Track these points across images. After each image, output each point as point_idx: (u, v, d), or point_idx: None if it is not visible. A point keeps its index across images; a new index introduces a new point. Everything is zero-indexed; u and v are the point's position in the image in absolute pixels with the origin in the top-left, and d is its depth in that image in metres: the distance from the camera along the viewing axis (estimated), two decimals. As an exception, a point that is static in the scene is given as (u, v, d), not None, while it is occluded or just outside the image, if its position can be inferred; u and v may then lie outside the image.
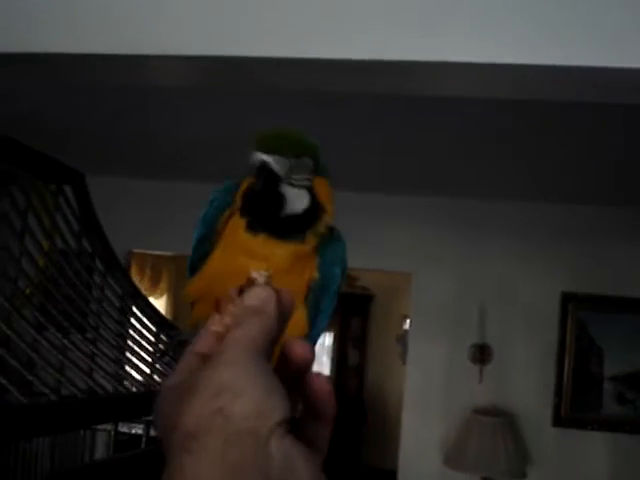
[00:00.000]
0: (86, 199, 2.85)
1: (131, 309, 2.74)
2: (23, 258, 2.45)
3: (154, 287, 9.10)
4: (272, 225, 1.15)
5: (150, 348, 2.60)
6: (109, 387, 2.24)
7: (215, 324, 0.76)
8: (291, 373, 0.72)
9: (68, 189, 2.80)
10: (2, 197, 2.41)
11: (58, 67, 2.20)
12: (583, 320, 5.99)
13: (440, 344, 6.17)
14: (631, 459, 5.85)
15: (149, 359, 2.55)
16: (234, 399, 0.62)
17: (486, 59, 1.89)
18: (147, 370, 2.49)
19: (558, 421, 5.97)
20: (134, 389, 2.34)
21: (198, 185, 2.84)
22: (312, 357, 0.74)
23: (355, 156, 4.99)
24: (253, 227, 1.15)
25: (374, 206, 6.17)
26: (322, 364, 10.62)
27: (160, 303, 9.16)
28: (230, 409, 0.61)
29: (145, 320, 2.72)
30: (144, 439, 2.60)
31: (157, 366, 2.54)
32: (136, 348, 2.58)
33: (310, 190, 1.18)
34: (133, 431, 4.75)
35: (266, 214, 1.15)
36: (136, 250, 6.79)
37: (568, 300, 5.98)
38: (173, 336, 2.79)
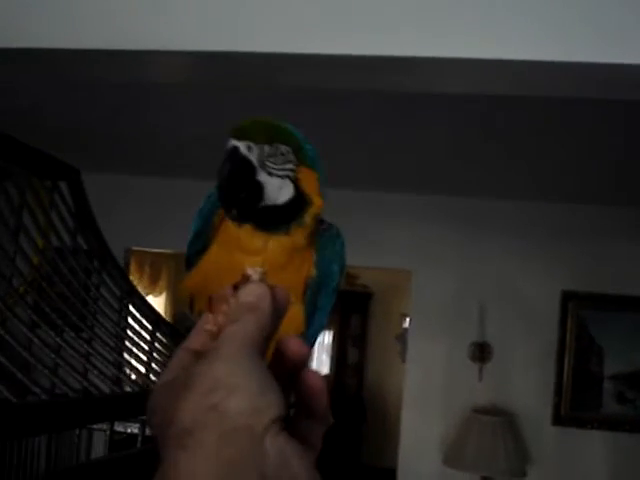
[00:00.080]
0: (82, 195, 2.83)
1: (127, 307, 2.72)
2: (17, 256, 2.43)
3: (153, 285, 9.10)
4: (254, 216, 1.15)
5: (146, 347, 2.58)
6: (104, 386, 2.22)
7: (208, 323, 0.75)
8: (286, 370, 0.72)
9: (63, 185, 2.78)
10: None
11: (57, 62, 2.19)
12: (583, 319, 5.98)
13: (440, 342, 6.16)
14: (631, 458, 5.85)
15: (145, 358, 2.53)
16: (229, 395, 0.62)
17: (486, 55, 1.88)
18: (143, 369, 2.48)
19: (558, 420, 5.96)
20: (128, 388, 2.32)
21: (198, 182, 2.82)
22: (307, 354, 0.74)
23: (354, 154, 4.98)
24: (237, 218, 1.15)
25: (374, 204, 6.17)
26: (321, 362, 10.63)
27: (159, 301, 9.17)
28: (225, 405, 0.61)
29: (141, 318, 2.71)
30: (140, 438, 2.58)
31: (153, 365, 2.52)
32: (132, 347, 2.56)
33: (294, 181, 1.16)
34: (129, 430, 4.75)
35: (243, 204, 1.14)
36: (135, 248, 6.79)
37: (568, 299, 5.98)
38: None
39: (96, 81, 3.42)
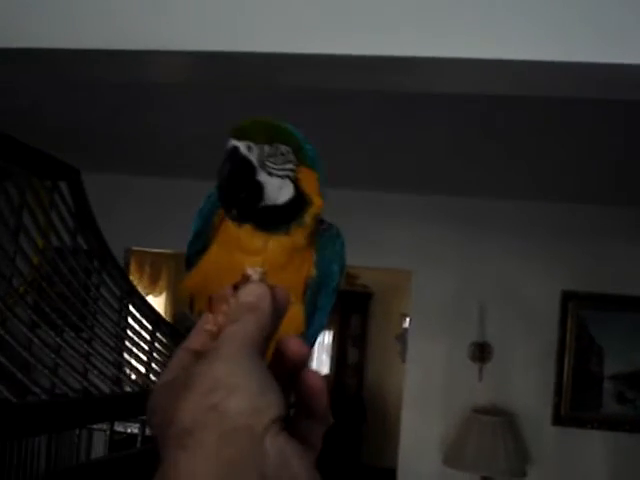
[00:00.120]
0: (81, 195, 2.83)
1: (127, 307, 2.72)
2: (17, 256, 2.42)
3: (153, 285, 9.10)
4: (253, 216, 1.15)
5: (146, 347, 2.58)
6: (104, 386, 2.22)
7: (208, 323, 0.75)
8: (286, 370, 0.73)
9: (63, 185, 2.78)
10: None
11: (57, 62, 2.19)
12: (583, 319, 5.98)
13: (440, 342, 6.16)
14: (631, 458, 5.84)
15: (145, 358, 2.53)
16: (229, 395, 0.62)
17: (486, 55, 1.88)
18: (143, 369, 2.48)
19: (558, 420, 5.96)
20: (128, 388, 2.32)
21: (198, 183, 2.82)
22: (307, 354, 0.74)
23: (355, 154, 4.98)
24: (237, 218, 1.15)
25: (375, 204, 6.17)
26: (322, 362, 10.63)
27: (159, 301, 9.17)
28: (225, 405, 0.61)
29: (141, 318, 2.70)
30: (140, 438, 2.59)
31: (153, 365, 2.52)
32: (132, 347, 2.56)
33: (294, 181, 1.16)
34: (129, 430, 4.75)
35: (243, 204, 1.14)
36: (135, 248, 6.79)
37: (568, 299, 5.98)
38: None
39: (96, 81, 3.42)
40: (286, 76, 2.28)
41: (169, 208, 5.88)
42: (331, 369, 10.83)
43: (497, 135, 4.26)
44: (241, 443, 0.60)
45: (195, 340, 0.75)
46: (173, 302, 9.47)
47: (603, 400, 5.96)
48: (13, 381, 1.86)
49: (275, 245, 1.16)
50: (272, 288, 0.74)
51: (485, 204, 6.07)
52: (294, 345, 0.73)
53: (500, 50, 1.87)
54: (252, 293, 0.73)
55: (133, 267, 7.76)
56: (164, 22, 2.02)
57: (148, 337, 2.63)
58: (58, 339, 2.19)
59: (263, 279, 0.77)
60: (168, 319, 6.11)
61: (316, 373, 0.74)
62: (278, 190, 1.14)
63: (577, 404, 5.95)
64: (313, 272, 1.24)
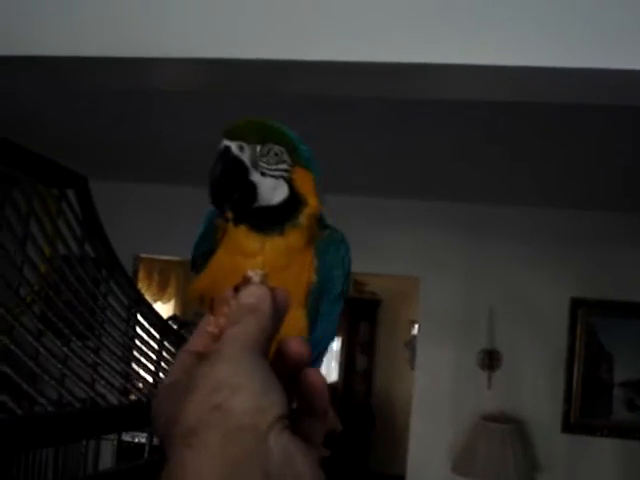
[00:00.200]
0: (89, 203, 2.82)
1: (135, 316, 2.71)
2: (24, 264, 2.42)
3: (162, 292, 9.12)
4: (248, 216, 1.15)
5: (154, 356, 2.57)
6: (111, 397, 2.21)
7: (210, 325, 0.77)
8: (287, 369, 0.74)
9: (71, 193, 2.78)
10: (3, 201, 2.38)
11: (59, 70, 2.19)
12: (593, 326, 5.97)
13: (448, 349, 6.16)
14: (641, 466, 5.83)
15: (153, 367, 2.52)
16: (232, 395, 0.63)
17: (487, 62, 1.88)
18: (151, 379, 2.46)
19: (567, 427, 5.95)
20: (133, 397, 2.31)
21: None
22: (307, 354, 0.75)
23: (357, 160, 4.99)
24: (232, 219, 1.16)
25: (378, 210, 6.18)
26: (330, 369, 10.61)
27: (168, 308, 9.18)
28: (229, 405, 0.62)
29: (149, 327, 2.69)
30: (147, 448, 2.57)
31: (161, 374, 2.51)
32: (140, 356, 2.55)
33: (289, 181, 1.16)
34: (136, 440, 4.75)
35: (237, 204, 1.14)
36: (144, 255, 6.80)
37: (577, 306, 5.97)
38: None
39: (98, 89, 3.43)
40: (288, 83, 2.28)
41: (177, 215, 5.87)
42: (340, 376, 10.82)
43: (501, 141, 4.26)
44: (245, 442, 0.61)
45: (197, 342, 0.77)
46: (182, 309, 9.48)
47: (613, 407, 5.94)
48: (19, 392, 1.85)
49: (271, 246, 1.16)
50: (272, 290, 0.75)
51: (490, 210, 6.07)
52: (295, 345, 0.75)
53: (501, 56, 1.87)
54: (253, 295, 0.74)
55: (142, 274, 7.77)
56: (166, 29, 2.02)
57: (156, 346, 2.62)
58: (65, 349, 2.18)
59: (264, 281, 0.78)
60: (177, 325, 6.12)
61: (317, 371, 0.75)
62: (272, 190, 1.14)
63: (587, 411, 5.94)
64: (314, 278, 1.23)
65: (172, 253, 6.72)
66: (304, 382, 0.73)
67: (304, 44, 1.95)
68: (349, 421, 9.62)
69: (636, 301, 5.88)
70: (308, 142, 1.20)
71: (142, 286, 7.97)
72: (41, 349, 2.10)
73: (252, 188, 1.13)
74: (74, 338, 2.28)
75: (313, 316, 1.24)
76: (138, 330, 2.66)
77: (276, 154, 1.15)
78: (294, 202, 1.17)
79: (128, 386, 2.32)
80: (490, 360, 6.03)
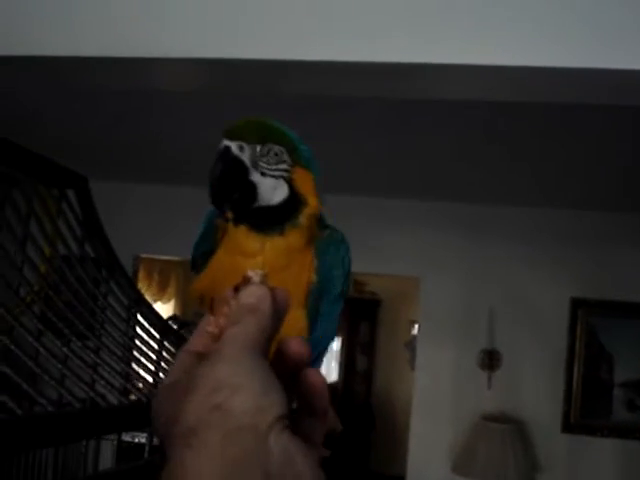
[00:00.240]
0: (89, 203, 2.81)
1: (135, 316, 2.71)
2: (24, 265, 2.42)
3: (162, 292, 9.12)
4: (248, 216, 1.15)
5: (154, 356, 2.57)
6: (111, 397, 2.21)
7: (210, 325, 0.77)
8: (287, 369, 0.74)
9: (71, 193, 2.77)
10: (3, 202, 2.38)
11: (58, 70, 2.19)
12: (593, 326, 5.96)
13: (449, 350, 6.16)
14: (641, 466, 5.83)
15: (153, 368, 2.52)
16: (232, 395, 0.63)
17: (487, 61, 1.88)
18: (151, 379, 2.46)
19: (568, 427, 5.95)
20: (133, 397, 2.31)
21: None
22: (307, 353, 0.75)
23: (357, 160, 4.99)
24: (232, 219, 1.16)
25: (378, 210, 6.18)
26: (330, 369, 10.61)
27: (168, 308, 9.18)
28: (229, 405, 0.62)
29: (149, 327, 2.69)
30: (147, 448, 2.57)
31: (161, 375, 2.51)
32: (140, 356, 2.55)
33: (289, 181, 1.16)
34: (136, 440, 4.74)
35: (237, 204, 1.14)
36: (144, 255, 6.80)
37: (578, 306, 5.96)
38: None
39: (98, 89, 3.43)
40: (288, 83, 2.28)
41: (177, 215, 5.87)
42: (340, 376, 10.82)
43: (501, 141, 4.26)
44: (245, 442, 0.61)
45: (197, 342, 0.77)
46: (182, 309, 9.48)
47: (613, 407, 5.94)
48: (19, 392, 1.85)
49: (271, 246, 1.16)
50: (272, 289, 0.75)
51: (490, 210, 6.07)
52: (295, 345, 0.75)
53: (501, 56, 1.87)
54: (253, 295, 0.74)
55: (142, 274, 7.77)
56: (166, 29, 2.01)
57: (156, 346, 2.62)
58: (65, 349, 2.18)
59: (264, 281, 0.78)
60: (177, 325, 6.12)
61: (317, 371, 0.75)
62: (272, 190, 1.15)
63: (587, 412, 5.94)
64: (314, 278, 1.23)
65: (172, 253, 6.72)
66: (304, 382, 0.73)
67: (304, 44, 1.95)
68: (349, 421, 9.61)
69: (636, 301, 5.88)
70: (308, 142, 1.20)
71: (142, 286, 7.97)
72: (41, 349, 2.10)
73: (252, 188, 1.13)
74: (74, 338, 2.28)
75: (313, 316, 1.24)
76: (138, 330, 2.66)
77: (276, 154, 1.15)
78: (294, 202, 1.17)
79: (128, 386, 2.32)
80: (490, 360, 6.03)
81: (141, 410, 2.19)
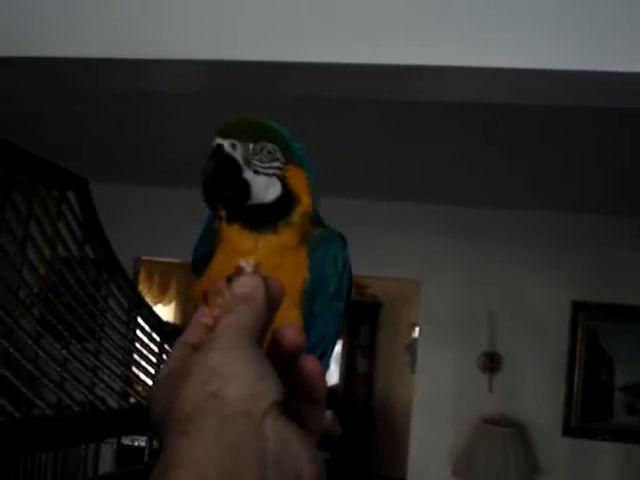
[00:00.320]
0: (89, 205, 2.81)
1: (135, 319, 2.70)
2: (24, 267, 2.41)
3: (163, 294, 9.11)
4: (241, 215, 1.16)
5: (154, 359, 2.56)
6: (111, 400, 2.21)
7: (203, 316, 0.76)
8: (282, 359, 0.73)
9: (71, 195, 2.77)
10: (3, 203, 2.37)
11: (59, 71, 2.18)
12: (594, 330, 5.96)
13: (449, 352, 6.15)
14: (642, 470, 5.82)
15: (153, 371, 2.51)
16: (227, 382, 0.63)
17: (486, 64, 1.87)
18: (151, 383, 2.46)
19: (568, 431, 5.93)
20: (133, 400, 2.30)
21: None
22: (303, 342, 0.74)
23: (357, 163, 4.98)
24: (225, 217, 1.16)
25: (378, 213, 6.17)
26: (331, 372, 10.61)
27: (169, 310, 9.17)
28: (224, 392, 0.62)
29: (149, 330, 2.69)
30: (147, 451, 2.57)
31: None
32: (140, 359, 2.54)
33: (282, 179, 1.17)
34: (136, 443, 4.74)
35: (230, 202, 1.15)
36: (144, 257, 6.79)
37: (578, 309, 5.95)
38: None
39: (99, 91, 3.42)
40: (288, 85, 2.28)
41: (177, 217, 5.86)
42: (340, 379, 10.82)
43: (500, 143, 4.25)
44: (241, 428, 0.61)
45: (192, 333, 0.76)
46: (182, 311, 9.48)
47: (614, 411, 5.93)
48: (18, 395, 1.84)
49: (264, 245, 1.16)
50: (266, 279, 0.75)
51: (490, 213, 6.07)
52: (290, 333, 0.74)
53: (500, 59, 1.87)
54: (246, 285, 0.74)
55: (142, 276, 7.76)
56: (166, 31, 2.01)
57: (156, 349, 2.61)
58: (64, 352, 2.17)
59: (256, 271, 0.78)
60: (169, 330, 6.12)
61: (313, 359, 0.74)
62: (265, 188, 1.15)
63: (588, 415, 5.93)
64: (307, 276, 1.22)
65: (173, 255, 6.72)
66: (301, 370, 0.73)
67: (304, 46, 1.95)
68: (350, 424, 9.61)
69: (637, 304, 5.87)
70: (308, 144, 1.20)
71: (143, 288, 7.96)
72: (40, 352, 2.09)
73: (245, 186, 1.13)
74: (73, 341, 2.28)
75: (307, 316, 1.23)
76: (138, 333, 2.65)
77: (269, 152, 1.15)
78: (287, 200, 1.17)
79: (128, 389, 2.31)
80: (491, 363, 6.02)
81: (141, 413, 2.18)
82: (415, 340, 7.77)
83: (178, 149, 4.93)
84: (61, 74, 2.22)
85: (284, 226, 1.17)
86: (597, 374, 5.95)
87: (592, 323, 5.95)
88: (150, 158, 5.42)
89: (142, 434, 3.55)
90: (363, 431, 10.19)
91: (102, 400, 2.10)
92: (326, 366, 1.37)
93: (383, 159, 4.86)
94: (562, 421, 5.94)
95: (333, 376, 10.67)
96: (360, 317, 10.57)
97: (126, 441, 4.46)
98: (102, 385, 2.19)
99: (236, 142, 1.12)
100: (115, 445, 3.32)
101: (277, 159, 1.15)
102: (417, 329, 7.32)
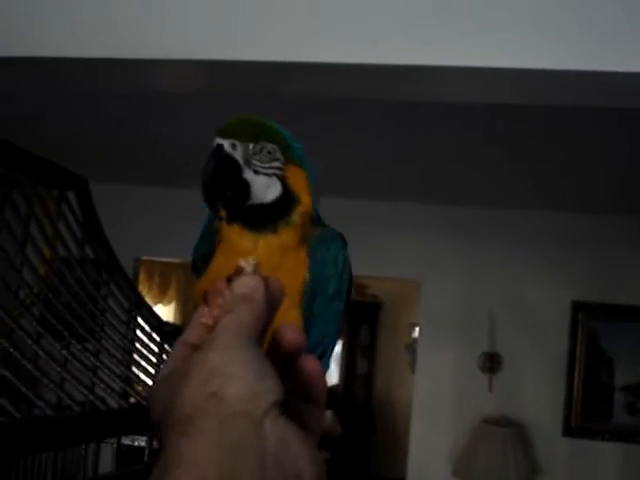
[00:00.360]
0: (89, 205, 2.81)
1: (135, 319, 2.70)
2: (24, 267, 2.41)
3: (163, 294, 9.11)
4: (242, 215, 1.16)
5: (154, 359, 2.56)
6: (111, 400, 2.21)
7: (203, 316, 0.76)
8: (282, 359, 0.73)
9: (71, 195, 2.77)
10: (3, 203, 2.37)
11: (59, 71, 2.18)
12: (594, 330, 5.95)
13: (449, 352, 6.15)
14: (642, 470, 5.82)
15: (153, 371, 2.51)
16: (227, 382, 0.63)
17: (486, 64, 1.87)
18: (151, 383, 2.46)
19: (568, 431, 5.93)
20: (133, 400, 2.30)
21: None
22: (303, 342, 0.74)
23: (357, 163, 4.98)
24: (226, 217, 1.16)
25: (378, 213, 6.17)
26: (330, 372, 10.60)
27: (169, 310, 9.17)
28: (224, 392, 0.62)
29: (149, 330, 2.69)
30: (147, 452, 2.56)
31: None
32: (140, 359, 2.54)
33: (282, 179, 1.17)
34: (136, 443, 4.73)
35: (230, 202, 1.15)
36: (144, 257, 6.78)
37: (578, 309, 5.95)
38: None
39: (99, 91, 3.42)
40: (288, 84, 2.28)
41: (178, 217, 5.86)
42: (340, 379, 10.81)
43: (500, 143, 4.25)
44: (241, 428, 0.61)
45: (192, 333, 0.76)
46: (182, 311, 9.47)
47: (614, 411, 5.93)
48: (17, 395, 1.84)
49: (264, 245, 1.16)
50: (266, 279, 0.75)
51: (490, 213, 6.07)
52: (289, 333, 0.74)
53: (500, 59, 1.87)
54: (245, 285, 0.74)
55: (142, 276, 7.76)
56: (166, 31, 2.01)
57: (156, 349, 2.61)
58: (64, 352, 2.17)
59: (256, 270, 0.78)
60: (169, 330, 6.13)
61: (313, 359, 0.74)
62: (265, 188, 1.15)
63: (587, 415, 5.92)
64: (307, 276, 1.22)
65: (173, 255, 6.72)
66: (300, 370, 0.73)
67: (304, 46, 1.95)
68: (350, 424, 9.61)
69: (637, 304, 5.87)
70: (308, 144, 1.20)
71: (143, 289, 7.96)
72: (40, 352, 2.09)
73: (245, 186, 1.13)
74: (73, 341, 2.28)
75: (307, 316, 1.23)
76: (138, 333, 2.65)
77: (269, 152, 1.15)
78: (287, 200, 1.17)
79: (128, 389, 2.31)
80: (491, 363, 6.02)
81: (141, 414, 2.18)
82: (415, 340, 7.77)
83: (178, 149, 4.93)
84: (61, 74, 2.22)
85: (284, 226, 1.16)
86: (597, 374, 5.95)
87: (592, 323, 5.95)
88: (150, 158, 5.42)
89: (142, 434, 3.55)
90: (363, 431, 10.18)
91: (102, 400, 2.10)
92: (326, 366, 1.36)
93: (383, 159, 4.86)
94: (562, 421, 5.94)
95: (333, 376, 10.67)
96: (360, 317, 10.56)
97: (126, 441, 4.46)
98: (102, 385, 2.19)
99: (236, 142, 1.12)
100: (115, 445, 3.32)
101: (277, 159, 1.15)
102: (417, 329, 7.31)
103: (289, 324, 0.75)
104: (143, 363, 2.52)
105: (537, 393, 5.98)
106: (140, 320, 2.72)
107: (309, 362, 0.73)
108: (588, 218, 5.91)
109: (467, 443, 5.78)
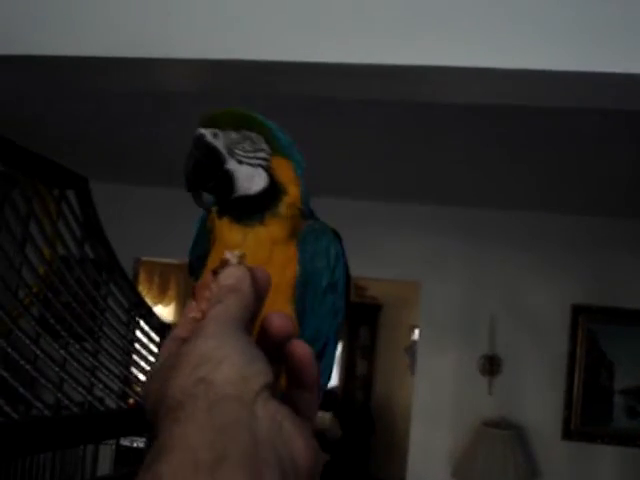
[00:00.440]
0: (89, 204, 2.80)
1: (135, 319, 2.69)
2: (23, 266, 2.40)
3: (162, 295, 9.11)
4: (229, 207, 1.15)
5: (153, 360, 2.55)
6: (110, 401, 2.20)
7: (192, 311, 0.77)
8: (272, 346, 0.74)
9: (71, 194, 2.76)
10: (3, 202, 2.36)
11: (60, 70, 2.18)
12: (594, 333, 5.94)
13: (449, 355, 6.14)
14: (641, 473, 5.81)
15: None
16: (216, 367, 0.63)
17: (487, 64, 1.87)
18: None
19: (568, 434, 5.92)
20: (132, 401, 2.30)
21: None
22: (291, 328, 0.75)
23: (358, 164, 4.97)
24: (218, 210, 1.16)
25: (379, 214, 6.16)
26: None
27: (168, 311, 9.18)
28: (212, 376, 0.63)
29: (149, 331, 2.68)
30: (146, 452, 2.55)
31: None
32: (139, 360, 2.53)
33: (268, 170, 1.16)
34: (135, 444, 4.73)
35: (214, 193, 1.15)
36: (144, 258, 6.78)
37: (578, 312, 5.94)
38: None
39: (99, 90, 3.42)
40: (288, 85, 2.27)
41: (178, 218, 5.83)
42: (340, 381, 10.81)
43: (501, 144, 4.24)
44: (232, 410, 0.61)
45: (182, 329, 0.76)
46: (182, 312, 9.47)
47: (614, 414, 5.92)
48: (15, 396, 1.83)
49: (253, 237, 1.15)
50: (251, 269, 0.77)
51: (491, 215, 6.06)
52: (277, 320, 0.74)
53: (501, 59, 1.87)
54: (231, 276, 0.75)
55: (142, 277, 7.76)
56: (167, 30, 2.01)
57: (156, 350, 2.61)
58: (63, 352, 2.16)
59: (241, 262, 0.80)
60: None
61: (303, 343, 0.74)
62: (250, 179, 1.14)
63: (587, 418, 5.91)
64: (298, 269, 1.22)
65: (173, 256, 6.71)
66: (291, 355, 0.73)
67: (304, 46, 1.95)
68: (349, 426, 9.61)
69: (637, 308, 5.86)
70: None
71: (143, 289, 7.96)
72: (39, 352, 2.08)
73: (228, 176, 1.12)
74: (72, 341, 2.27)
75: (300, 310, 1.22)
76: (138, 333, 2.64)
77: (253, 142, 1.14)
78: (274, 191, 1.16)
79: (127, 390, 2.30)
80: (491, 366, 6.01)
81: (140, 414, 2.17)
82: (415, 342, 7.75)
83: (178, 149, 4.92)
84: (61, 73, 2.22)
85: (271, 217, 1.16)
86: (597, 377, 5.94)
87: (592, 326, 5.94)
88: (150, 158, 5.41)
89: (141, 435, 3.54)
90: (362, 433, 10.18)
91: (101, 401, 2.09)
92: (328, 371, 1.35)
93: (383, 159, 4.85)
94: (562, 424, 5.92)
95: (332, 378, 10.64)
96: (360, 319, 10.57)
97: (125, 442, 4.46)
98: (101, 386, 2.19)
99: (218, 131, 1.12)
100: (114, 446, 3.32)
101: (262, 149, 1.15)
102: (417, 331, 7.30)
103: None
104: (142, 364, 2.51)
105: (537, 396, 5.97)
106: (140, 320, 2.71)
107: (298, 346, 0.73)
108: (589, 220, 5.90)
109: (467, 445, 5.78)
